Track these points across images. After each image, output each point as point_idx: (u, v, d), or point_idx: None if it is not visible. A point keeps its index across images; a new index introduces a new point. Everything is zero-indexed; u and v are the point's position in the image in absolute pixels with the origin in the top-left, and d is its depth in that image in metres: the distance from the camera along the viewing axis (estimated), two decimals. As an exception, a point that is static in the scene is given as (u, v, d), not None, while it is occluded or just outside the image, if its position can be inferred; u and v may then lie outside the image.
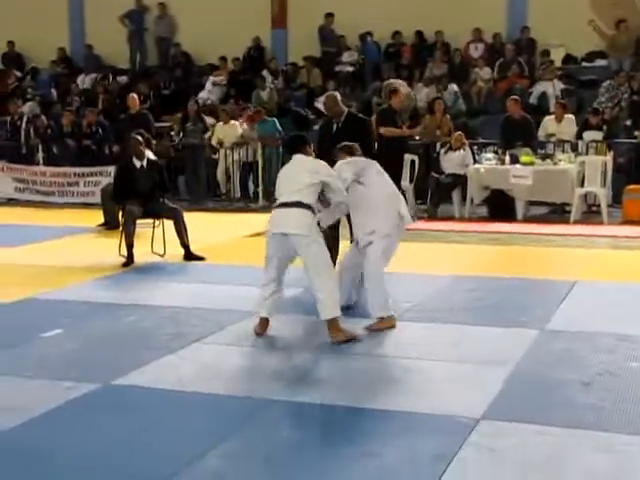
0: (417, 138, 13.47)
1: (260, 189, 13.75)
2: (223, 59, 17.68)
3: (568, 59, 16.21)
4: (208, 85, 17.19)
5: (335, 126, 8.08)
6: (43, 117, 15.73)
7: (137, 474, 3.80)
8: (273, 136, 13.87)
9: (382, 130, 11.87)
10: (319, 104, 15.01)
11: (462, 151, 12.11)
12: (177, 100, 17.14)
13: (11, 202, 14.57)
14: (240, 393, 4.80)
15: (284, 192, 5.95)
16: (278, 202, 5.99)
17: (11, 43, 19.39)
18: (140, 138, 9.30)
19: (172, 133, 15.65)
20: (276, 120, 14.24)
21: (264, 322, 6.01)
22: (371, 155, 7.65)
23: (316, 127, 12.10)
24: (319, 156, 7.15)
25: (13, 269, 8.51)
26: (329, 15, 16.98)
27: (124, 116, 14.02)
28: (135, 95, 13.98)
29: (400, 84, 9.64)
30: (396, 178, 11.71)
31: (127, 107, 13.97)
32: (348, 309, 6.38)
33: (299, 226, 5.75)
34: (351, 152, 6.62)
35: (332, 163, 6.53)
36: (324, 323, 5.79)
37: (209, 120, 15.06)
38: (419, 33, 16.84)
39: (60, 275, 8.16)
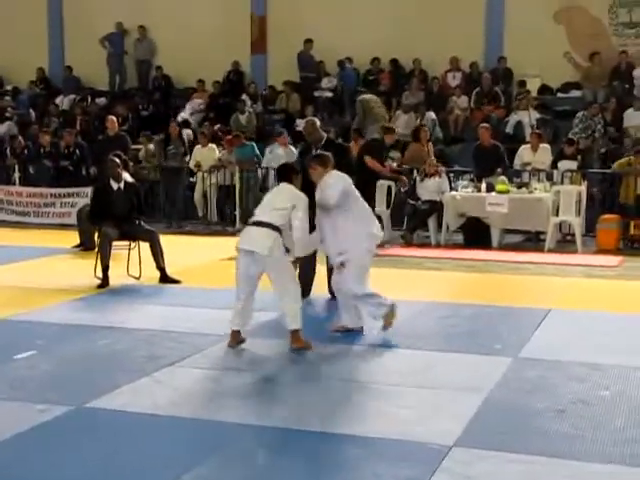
0: (394, 165, 13.56)
1: (237, 212, 13.75)
2: (201, 82, 17.73)
3: (544, 89, 16.43)
4: (186, 111, 17.20)
5: (314, 151, 8.06)
6: (20, 138, 15.68)
7: (109, 498, 3.78)
8: (251, 160, 13.91)
9: (367, 160, 11.94)
10: (300, 127, 15.09)
11: (437, 178, 12.20)
12: (155, 122, 17.16)
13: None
14: (214, 417, 4.78)
15: (258, 213, 6.35)
16: (250, 221, 6.38)
17: (-10, 63, 19.35)
18: (118, 160, 9.30)
19: (140, 154, 15.44)
20: (254, 144, 14.29)
21: (235, 334, 6.29)
22: (348, 174, 7.64)
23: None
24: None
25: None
26: (308, 41, 17.11)
27: (102, 137, 14.01)
28: (114, 117, 13.98)
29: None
30: (370, 201, 11.86)
31: (105, 128, 13.96)
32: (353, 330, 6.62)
33: (263, 245, 6.08)
34: (324, 163, 6.69)
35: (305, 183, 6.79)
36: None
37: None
38: (396, 61, 17.00)
39: (35, 296, 8.10)
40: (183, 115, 16.99)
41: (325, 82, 17.25)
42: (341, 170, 7.34)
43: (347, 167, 7.94)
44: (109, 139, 13.29)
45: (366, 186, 11.68)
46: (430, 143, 13.51)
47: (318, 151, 7.96)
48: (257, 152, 14.07)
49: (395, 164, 13.55)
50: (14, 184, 14.94)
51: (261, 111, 17.17)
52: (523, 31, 16.07)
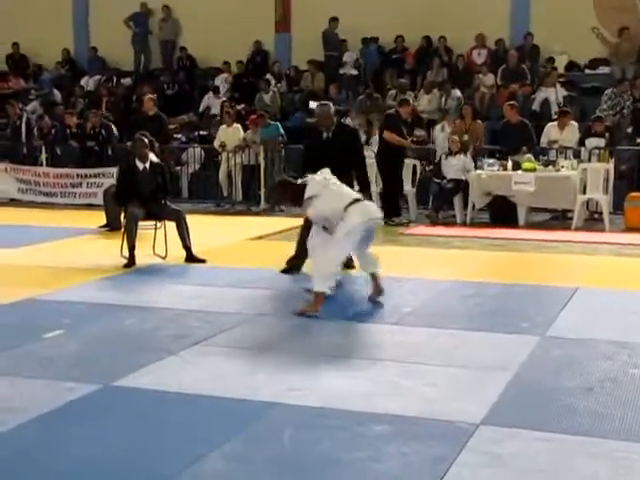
0: (419, 144, 13.49)
1: (262, 192, 13.75)
2: (226, 64, 17.71)
3: (571, 66, 16.24)
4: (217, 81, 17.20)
5: (325, 134, 8.25)
6: (47, 118, 15.74)
7: (138, 475, 3.80)
8: (275, 140, 13.88)
9: (386, 135, 11.91)
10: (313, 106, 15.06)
11: (462, 156, 12.11)
12: (180, 102, 17.19)
13: (13, 202, 14.57)
14: (241, 395, 4.79)
15: (352, 193, 6.94)
16: (355, 199, 6.75)
17: (16, 45, 19.43)
18: (145, 140, 9.31)
19: (179, 135, 15.68)
20: (279, 124, 14.26)
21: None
22: (359, 162, 8.35)
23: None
24: (305, 162, 8.06)
25: (15, 270, 8.51)
26: (333, 19, 16.99)
27: (139, 117, 14.03)
28: (151, 96, 14.03)
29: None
30: (397, 181, 11.86)
31: (134, 109, 13.99)
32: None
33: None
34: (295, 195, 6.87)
35: (317, 169, 7.07)
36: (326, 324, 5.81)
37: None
38: (422, 39, 16.85)
39: (62, 276, 8.16)
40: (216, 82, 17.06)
41: (346, 57, 17.13)
42: (351, 154, 8.07)
43: (357, 151, 8.40)
44: (147, 119, 13.33)
45: (392, 164, 11.78)
46: (479, 121, 13.35)
47: (329, 134, 8.19)
48: (282, 132, 14.04)
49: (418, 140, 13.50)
50: (41, 165, 15.03)
51: (285, 90, 17.12)
52: (550, 7, 15.87)
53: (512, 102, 13.20)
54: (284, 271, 8.05)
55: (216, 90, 16.92)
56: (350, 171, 8.08)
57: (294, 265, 8.05)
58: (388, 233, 11.03)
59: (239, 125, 14.49)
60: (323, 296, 6.56)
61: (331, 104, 8.67)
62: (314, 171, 7.06)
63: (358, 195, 6.96)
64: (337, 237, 6.55)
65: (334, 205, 6.63)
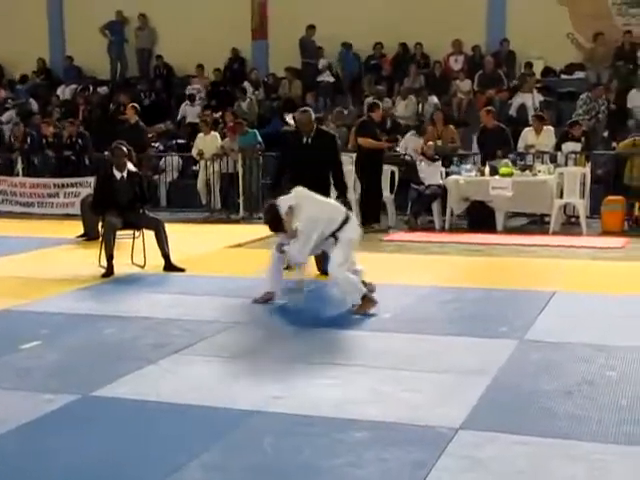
0: (397, 150, 13.55)
1: (241, 200, 13.75)
2: (200, 66, 17.67)
3: (547, 71, 16.38)
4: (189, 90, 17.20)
5: (305, 139, 8.42)
6: (22, 126, 15.65)
7: (116, 486, 3.79)
8: (253, 147, 13.89)
9: (360, 141, 11.98)
10: (289, 119, 15.12)
11: (436, 162, 12.20)
12: (157, 111, 17.16)
13: (-5, 214, 14.49)
14: (220, 404, 4.78)
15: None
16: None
17: (-9, 53, 19.34)
18: (124, 149, 9.30)
19: (156, 144, 15.68)
20: (256, 132, 14.27)
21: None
22: (337, 166, 8.49)
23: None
24: (282, 165, 8.58)
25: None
26: (310, 27, 17.03)
27: (121, 126, 14.03)
28: (134, 104, 14.04)
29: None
30: (376, 188, 11.91)
31: (111, 117, 13.96)
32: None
33: None
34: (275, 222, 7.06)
35: (295, 173, 7.91)
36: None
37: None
38: (399, 45, 16.94)
39: (39, 286, 8.12)
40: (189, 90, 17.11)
41: (321, 64, 17.16)
42: (329, 159, 8.32)
43: (335, 155, 8.57)
44: (128, 127, 13.33)
45: (370, 170, 11.83)
46: (451, 126, 13.41)
47: (309, 139, 8.36)
48: (259, 139, 14.04)
49: (398, 148, 13.56)
50: (17, 175, 14.95)
51: (263, 98, 17.13)
52: (526, 13, 16.01)
53: (489, 107, 13.32)
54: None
55: (192, 98, 16.92)
56: (328, 175, 8.32)
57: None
58: (367, 240, 11.01)
59: (217, 133, 14.49)
60: (367, 297, 6.84)
61: (311, 110, 8.80)
62: (290, 173, 7.92)
63: (344, 209, 7.11)
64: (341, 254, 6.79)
65: (324, 213, 6.80)
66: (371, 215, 11.56)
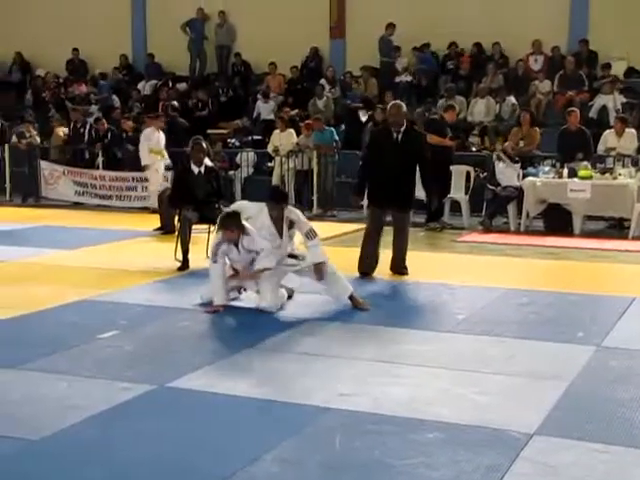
0: (473, 150, 13.39)
1: (315, 197, 13.79)
2: (272, 64, 17.72)
3: (630, 72, 15.98)
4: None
5: (395, 135, 8.14)
6: (104, 121, 15.97)
7: (192, 475, 3.84)
8: (329, 145, 13.90)
9: (428, 138, 11.89)
10: (363, 116, 15.11)
11: (515, 163, 12.01)
12: (234, 107, 17.33)
13: (76, 206, 14.81)
14: (294, 399, 4.81)
15: None
16: None
17: (76, 50, 19.79)
18: (203, 144, 9.41)
19: (232, 140, 15.85)
20: (333, 130, 14.28)
21: None
22: (425, 165, 8.34)
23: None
24: (367, 164, 8.47)
25: (71, 271, 8.67)
26: (390, 25, 16.93)
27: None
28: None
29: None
30: (444, 187, 11.80)
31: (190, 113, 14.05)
32: None
33: None
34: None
35: (381, 172, 7.88)
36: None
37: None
38: (478, 45, 16.76)
39: (117, 278, 8.28)
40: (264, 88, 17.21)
41: (399, 64, 17.06)
42: (417, 159, 8.13)
43: (423, 157, 8.27)
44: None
45: (438, 169, 11.72)
46: (536, 128, 13.15)
47: (399, 137, 8.11)
48: (336, 137, 14.05)
49: (473, 148, 13.42)
50: (97, 168, 15.28)
51: (339, 96, 17.14)
52: (609, 12, 15.64)
53: (574, 109, 12.99)
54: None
55: (266, 95, 17.00)
56: (414, 176, 8.23)
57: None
58: (441, 240, 10.99)
59: (292, 130, 14.55)
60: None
61: (402, 103, 8.55)
62: (375, 172, 8.01)
63: None
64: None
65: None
66: (433, 213, 11.54)
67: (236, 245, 6.92)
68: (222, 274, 6.93)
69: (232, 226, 6.91)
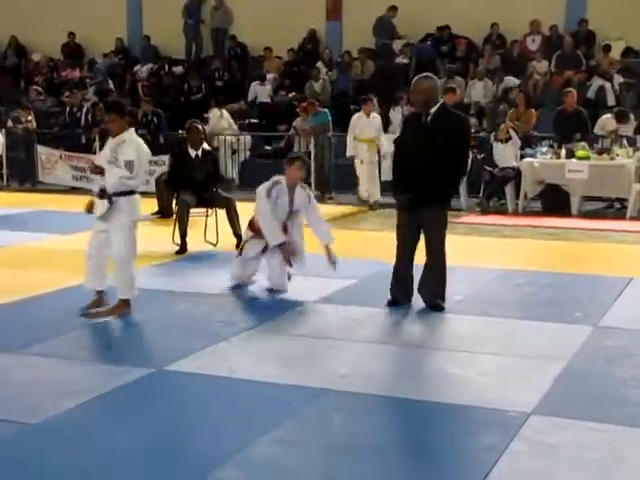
0: (472, 131, 13.35)
1: (312, 179, 13.77)
2: (268, 49, 17.64)
3: (628, 52, 15.91)
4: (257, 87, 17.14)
5: (424, 118, 6.30)
6: (101, 105, 15.89)
7: (188, 457, 3.85)
8: (324, 127, 13.86)
9: None
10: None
11: (509, 144, 11.99)
12: (231, 90, 17.27)
13: (74, 190, 14.77)
14: (292, 381, 4.82)
15: None
16: None
17: (72, 34, 19.71)
18: (200, 127, 9.38)
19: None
20: (327, 111, 14.22)
21: None
22: (461, 158, 6.45)
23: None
24: (398, 155, 6.51)
25: (68, 256, 8.63)
26: (392, 8, 16.82)
27: None
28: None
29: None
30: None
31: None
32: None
33: None
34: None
35: (408, 163, 6.21)
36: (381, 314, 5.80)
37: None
38: (474, 25, 16.67)
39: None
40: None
41: (396, 45, 16.98)
42: (453, 148, 6.17)
43: (463, 146, 6.45)
44: None
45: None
46: (531, 109, 13.09)
47: (428, 119, 6.24)
48: (329, 119, 14.00)
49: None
50: (94, 153, 15.22)
51: (336, 78, 17.08)
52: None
53: (570, 89, 12.94)
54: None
55: (262, 78, 16.94)
56: (451, 168, 6.26)
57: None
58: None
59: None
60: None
61: (435, 78, 6.60)
62: (404, 172, 6.23)
63: None
64: None
65: None
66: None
67: (290, 193, 6.88)
68: (272, 214, 6.85)
69: (302, 166, 6.91)
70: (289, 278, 7.09)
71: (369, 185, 12.55)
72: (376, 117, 12.82)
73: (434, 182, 6.13)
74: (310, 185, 13.67)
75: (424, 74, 6.51)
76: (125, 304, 6.27)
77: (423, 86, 6.28)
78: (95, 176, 6.46)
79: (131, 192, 6.25)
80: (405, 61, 16.80)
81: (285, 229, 6.98)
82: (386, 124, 13.66)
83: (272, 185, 6.87)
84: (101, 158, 6.50)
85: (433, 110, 6.22)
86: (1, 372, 5.04)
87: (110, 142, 6.42)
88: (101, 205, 6.26)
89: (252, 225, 7.10)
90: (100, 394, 4.62)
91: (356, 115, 12.75)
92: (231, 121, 15.28)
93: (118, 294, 6.29)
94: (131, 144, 6.27)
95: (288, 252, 6.91)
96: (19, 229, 10.21)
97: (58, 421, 4.27)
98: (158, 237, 9.42)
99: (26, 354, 5.33)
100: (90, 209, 6.39)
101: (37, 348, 5.43)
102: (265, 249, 6.98)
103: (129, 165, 6.14)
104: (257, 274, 7.16)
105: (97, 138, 15.24)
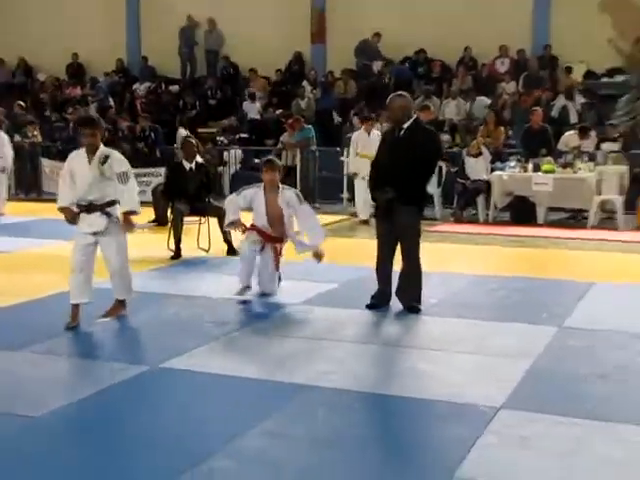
0: (445, 146, 13.37)
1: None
2: (252, 70, 17.64)
3: (589, 74, 16.03)
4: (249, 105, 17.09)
5: (397, 133, 6.39)
6: (101, 120, 15.82)
7: (180, 450, 3.81)
8: (308, 141, 13.85)
9: None
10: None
11: (480, 158, 12.03)
12: (223, 108, 17.26)
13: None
14: (278, 378, 4.79)
15: None
16: None
17: (75, 55, 19.67)
18: (194, 142, 9.40)
19: (221, 138, 15.75)
20: (312, 127, 14.22)
21: None
22: (429, 168, 6.57)
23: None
24: (374, 164, 6.62)
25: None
26: (376, 34, 16.83)
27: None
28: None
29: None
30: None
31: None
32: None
33: None
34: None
35: (382, 174, 6.26)
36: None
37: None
38: (447, 50, 16.72)
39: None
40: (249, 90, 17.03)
41: (375, 65, 16.99)
42: (432, 158, 6.41)
43: (434, 155, 6.56)
44: None
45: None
46: (501, 128, 13.16)
47: (402, 133, 6.32)
48: (313, 134, 14.01)
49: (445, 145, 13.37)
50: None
51: (320, 97, 17.08)
52: (569, 20, 15.66)
53: (536, 108, 13.03)
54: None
55: (252, 97, 16.88)
56: (420, 181, 6.38)
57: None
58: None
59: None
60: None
61: (408, 97, 6.62)
62: (380, 178, 6.26)
63: None
64: None
65: None
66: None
67: (271, 196, 6.86)
68: (238, 206, 6.94)
69: (273, 168, 6.94)
70: (279, 280, 7.04)
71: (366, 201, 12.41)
72: (377, 134, 12.71)
73: (406, 185, 6.21)
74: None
75: (398, 92, 6.65)
76: (122, 305, 6.21)
77: (397, 103, 6.38)
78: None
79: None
80: (385, 82, 16.81)
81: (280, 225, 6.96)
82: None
83: (247, 187, 7.03)
84: (84, 178, 6.01)
85: (406, 125, 6.32)
86: (5, 368, 4.99)
87: (84, 158, 6.04)
88: (95, 219, 6.01)
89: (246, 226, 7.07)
90: (99, 389, 4.58)
91: (356, 133, 12.43)
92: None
93: (116, 295, 6.22)
94: (115, 155, 6.09)
95: (238, 227, 6.95)
96: (24, 236, 10.13)
97: (58, 416, 4.22)
98: (154, 243, 9.38)
99: (28, 352, 5.27)
100: (74, 221, 6.06)
101: (39, 346, 5.37)
102: (262, 249, 6.93)
103: (123, 176, 6.00)
104: (252, 278, 7.11)
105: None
